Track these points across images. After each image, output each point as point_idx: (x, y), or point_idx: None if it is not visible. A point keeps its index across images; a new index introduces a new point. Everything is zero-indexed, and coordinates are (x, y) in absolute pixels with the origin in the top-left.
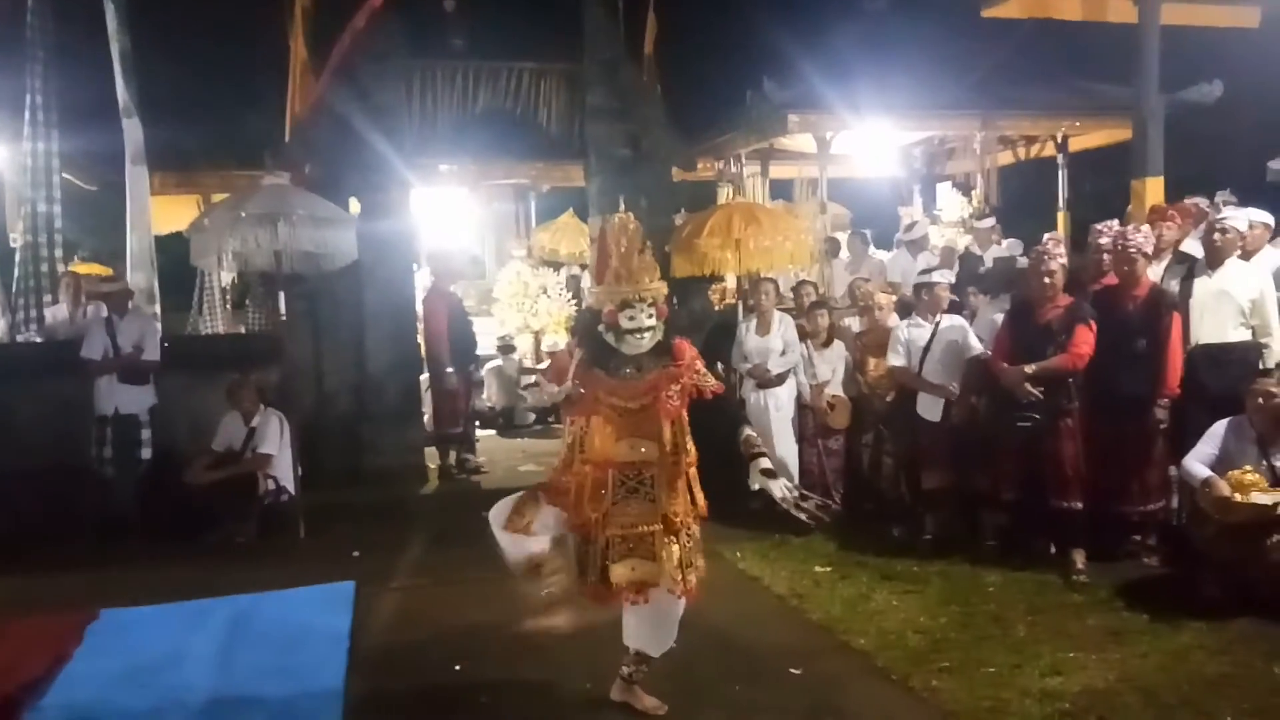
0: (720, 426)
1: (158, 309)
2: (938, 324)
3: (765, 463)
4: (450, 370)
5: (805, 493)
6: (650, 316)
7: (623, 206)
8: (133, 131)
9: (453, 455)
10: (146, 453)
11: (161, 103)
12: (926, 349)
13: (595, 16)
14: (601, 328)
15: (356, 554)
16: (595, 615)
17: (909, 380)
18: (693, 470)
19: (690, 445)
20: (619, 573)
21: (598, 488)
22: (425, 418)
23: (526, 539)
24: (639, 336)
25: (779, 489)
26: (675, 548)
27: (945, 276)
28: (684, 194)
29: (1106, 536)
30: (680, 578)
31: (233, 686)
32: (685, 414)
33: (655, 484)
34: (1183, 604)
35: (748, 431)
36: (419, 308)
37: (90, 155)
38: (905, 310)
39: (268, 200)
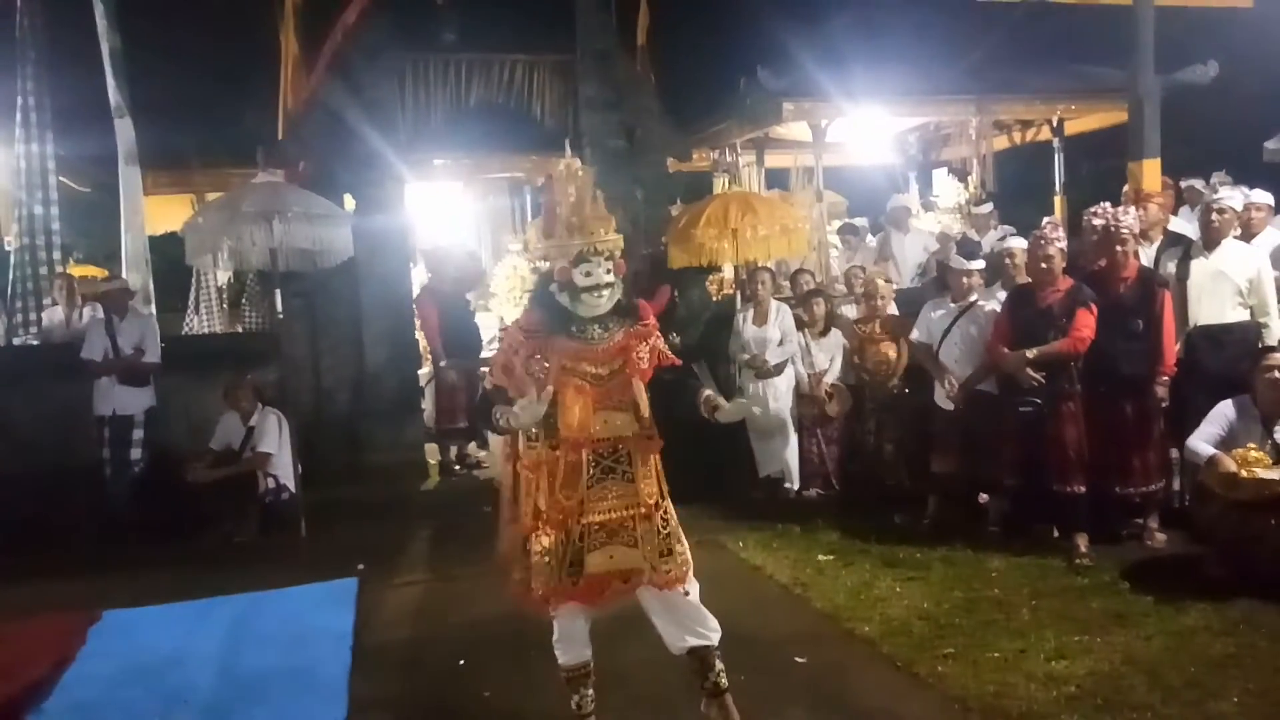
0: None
1: (153, 309)
2: (963, 308)
3: (727, 408)
4: (443, 365)
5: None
6: (609, 272)
7: (568, 152)
8: (125, 131)
9: (453, 451)
10: (137, 453)
11: (153, 102)
12: (946, 332)
13: (587, 7)
14: (554, 288)
15: (361, 566)
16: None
17: (924, 358)
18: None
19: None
20: (597, 561)
21: (573, 472)
22: (425, 414)
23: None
24: (597, 294)
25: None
26: (653, 534)
27: (978, 264)
28: (680, 184)
29: (1109, 519)
30: (655, 567)
31: (236, 685)
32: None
33: (632, 461)
34: (1186, 585)
35: (706, 392)
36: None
37: (83, 157)
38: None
39: (262, 198)
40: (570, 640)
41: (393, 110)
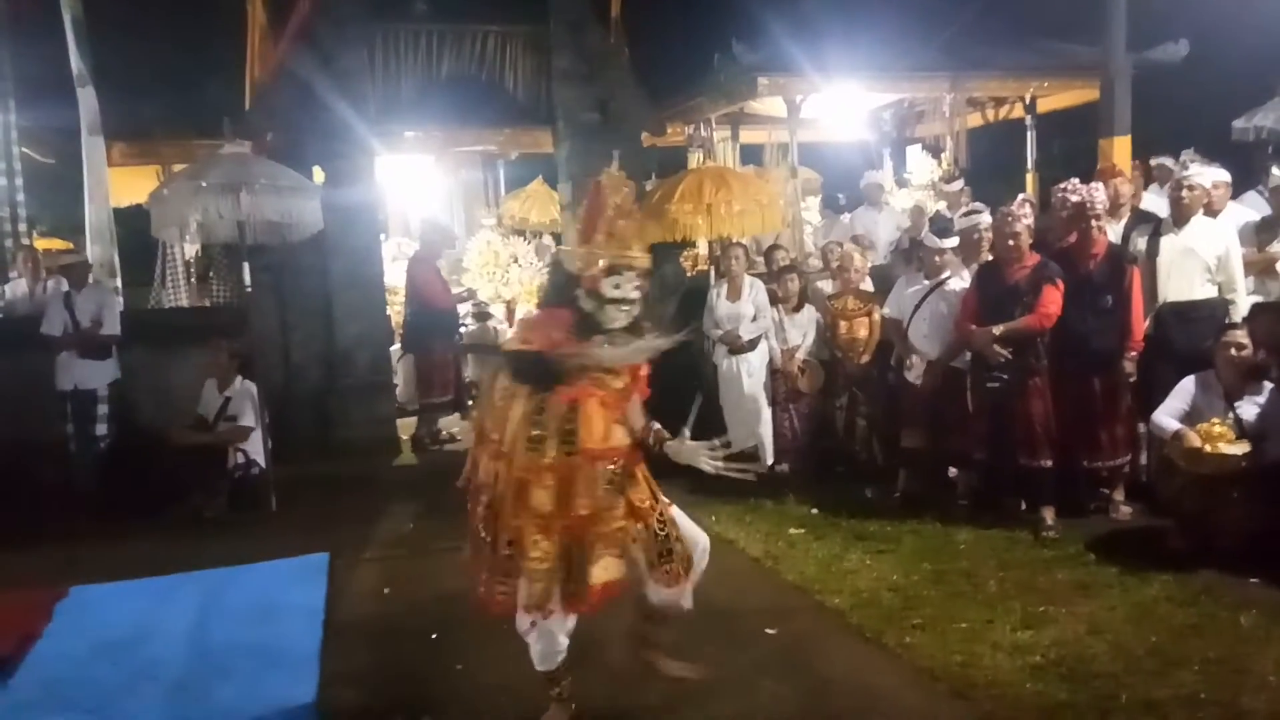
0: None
1: (119, 282)
2: (932, 286)
3: (673, 445)
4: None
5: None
6: (636, 289)
7: (615, 162)
8: (88, 101)
9: (432, 424)
10: (103, 428)
11: (117, 71)
12: (917, 308)
13: None
14: (580, 293)
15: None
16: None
17: (894, 334)
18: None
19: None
20: (597, 572)
21: (591, 482)
22: (398, 389)
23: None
24: (621, 308)
25: (705, 463)
26: (650, 537)
27: (951, 242)
28: (654, 159)
29: (1076, 492)
30: (654, 565)
31: (206, 661)
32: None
33: (623, 472)
34: (1150, 557)
35: (660, 432)
36: (391, 278)
37: (45, 127)
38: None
39: (229, 169)
40: (552, 649)
41: (362, 81)
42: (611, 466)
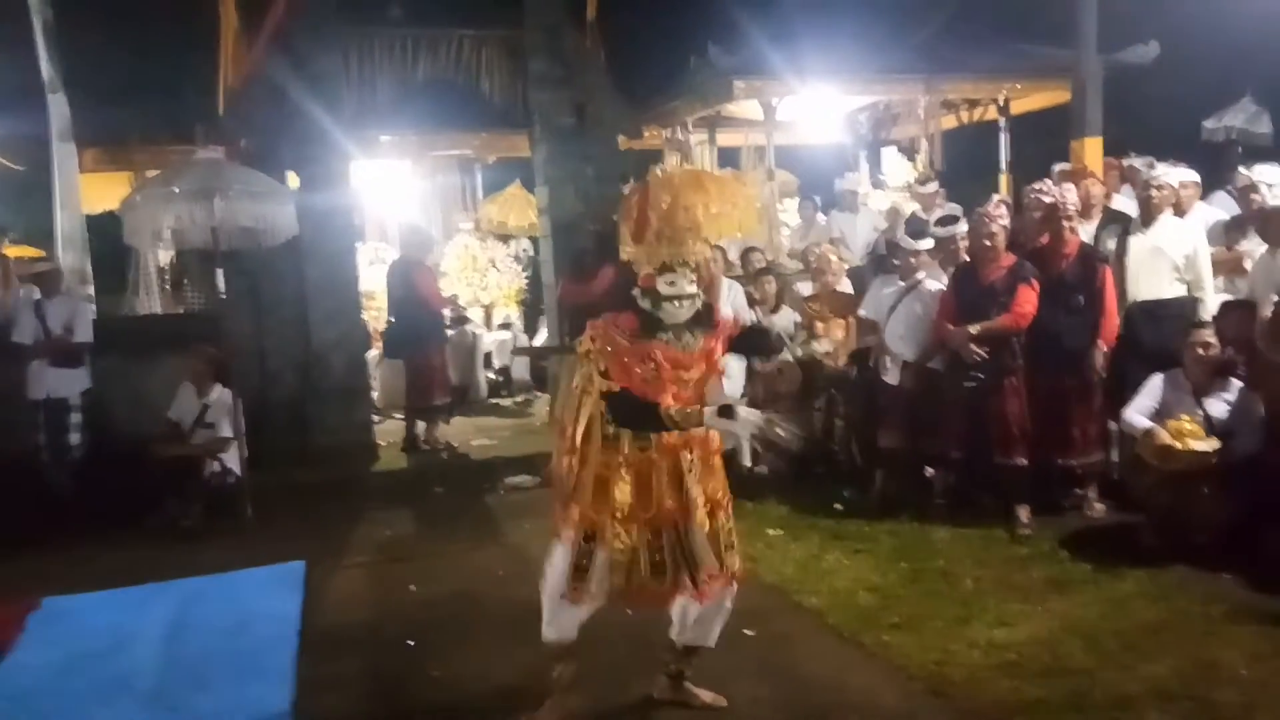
0: None
1: (91, 290)
2: (908, 287)
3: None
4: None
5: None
6: (692, 283)
7: (666, 161)
8: (58, 107)
9: (421, 428)
10: (76, 437)
11: (88, 77)
12: (893, 309)
13: None
14: (636, 292)
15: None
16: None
17: (870, 335)
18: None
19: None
20: (667, 570)
21: (664, 475)
22: (375, 395)
23: None
24: (678, 304)
25: (746, 426)
26: (714, 533)
27: (926, 244)
28: (631, 162)
29: (1050, 490)
30: (725, 562)
31: (181, 672)
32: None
33: (702, 460)
34: (1123, 553)
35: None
36: (368, 283)
37: (15, 134)
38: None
39: (202, 175)
40: (571, 623)
41: (337, 85)
42: (690, 457)
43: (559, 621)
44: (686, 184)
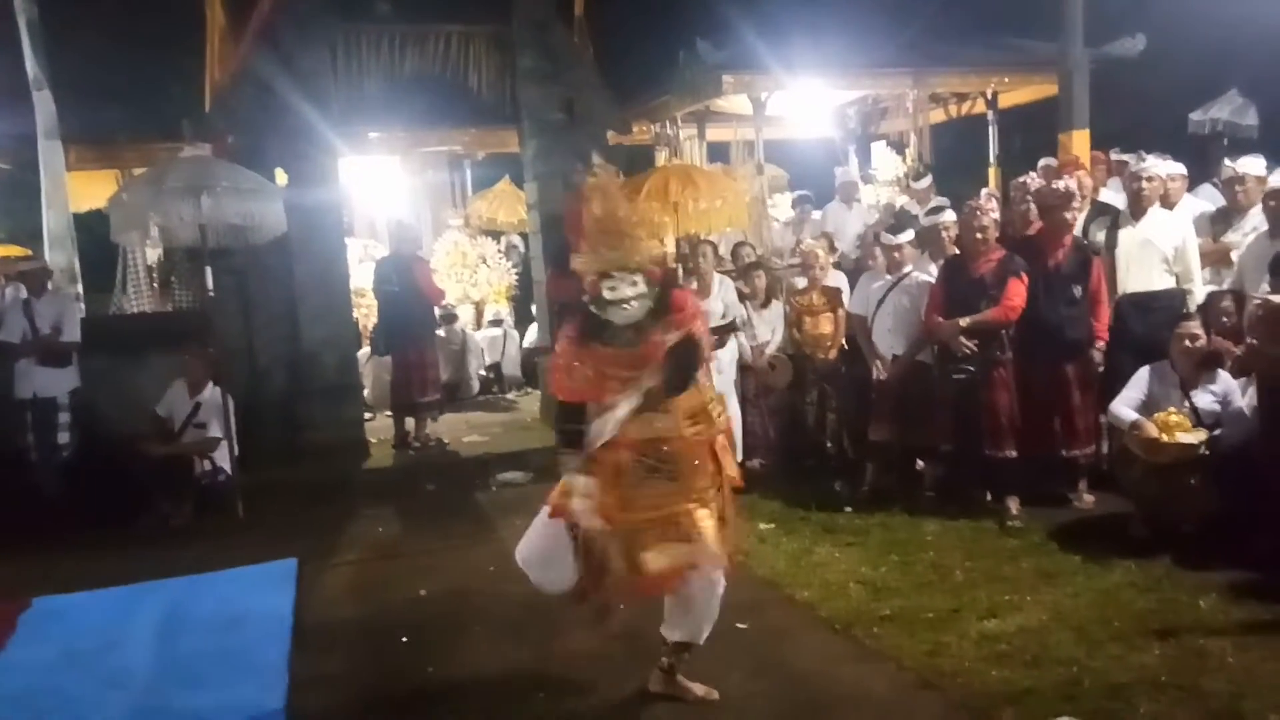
0: None
1: (79, 288)
2: (895, 281)
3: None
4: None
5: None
6: (634, 285)
7: (594, 161)
8: (44, 105)
9: (412, 425)
10: (65, 437)
11: (74, 74)
12: (880, 303)
13: None
14: (586, 299)
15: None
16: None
17: (858, 331)
18: (721, 438)
19: (720, 409)
20: (655, 560)
21: (615, 473)
22: (366, 392)
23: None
24: (622, 306)
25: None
26: (709, 523)
27: (906, 236)
28: (621, 157)
29: (1040, 481)
30: (719, 553)
31: (174, 670)
32: (705, 379)
33: (676, 459)
34: (1112, 544)
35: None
36: (358, 280)
37: (1, 132)
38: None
39: (189, 172)
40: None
41: (325, 82)
42: (645, 459)
43: (546, 577)
44: (619, 190)
